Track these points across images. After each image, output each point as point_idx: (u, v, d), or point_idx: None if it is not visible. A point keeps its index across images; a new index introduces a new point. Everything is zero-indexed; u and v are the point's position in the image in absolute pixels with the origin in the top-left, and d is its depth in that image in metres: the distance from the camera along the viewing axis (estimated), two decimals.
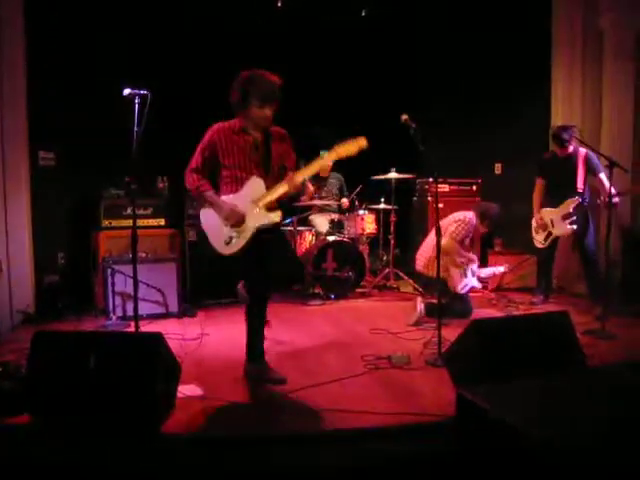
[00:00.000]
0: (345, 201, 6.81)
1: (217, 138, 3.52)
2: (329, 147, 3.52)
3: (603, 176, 5.06)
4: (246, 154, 3.52)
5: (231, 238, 3.48)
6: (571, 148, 5.29)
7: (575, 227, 5.19)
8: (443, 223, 5.14)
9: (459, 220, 5.15)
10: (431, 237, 5.14)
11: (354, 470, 2.52)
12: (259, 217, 3.47)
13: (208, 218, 3.58)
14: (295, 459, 2.59)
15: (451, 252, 5.02)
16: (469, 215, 5.18)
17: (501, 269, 5.57)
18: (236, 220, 3.44)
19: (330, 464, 2.54)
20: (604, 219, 5.02)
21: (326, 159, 3.53)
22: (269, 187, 3.48)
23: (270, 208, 3.49)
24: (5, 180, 4.97)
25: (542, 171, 5.56)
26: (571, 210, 5.21)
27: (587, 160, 5.22)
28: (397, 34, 7.33)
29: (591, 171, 5.22)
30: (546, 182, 5.52)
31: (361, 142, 3.43)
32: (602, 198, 5.03)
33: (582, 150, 5.25)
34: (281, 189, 3.45)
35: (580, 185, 5.21)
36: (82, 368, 2.71)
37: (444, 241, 4.92)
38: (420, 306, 4.96)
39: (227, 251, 3.49)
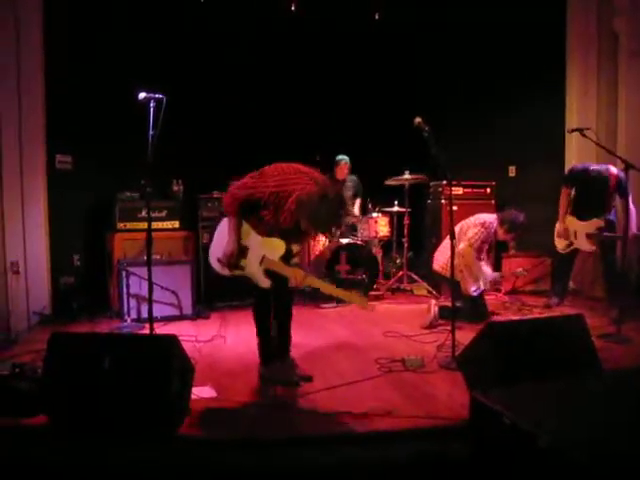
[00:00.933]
0: (356, 210, 6.82)
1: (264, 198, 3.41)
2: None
3: (631, 204, 4.91)
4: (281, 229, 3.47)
5: (222, 262, 3.50)
6: (597, 167, 5.21)
7: (594, 248, 5.21)
8: (464, 223, 5.13)
9: (479, 225, 5.07)
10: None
11: (367, 473, 2.52)
12: (256, 271, 3.45)
13: (222, 231, 3.56)
14: (308, 461, 2.59)
15: (467, 257, 4.99)
16: (490, 219, 5.11)
17: (496, 275, 5.60)
18: (229, 264, 3.45)
19: (343, 466, 2.54)
20: (620, 223, 5.00)
21: (331, 291, 3.36)
22: (284, 254, 3.45)
23: (267, 273, 3.44)
24: (23, 183, 5.03)
25: (571, 182, 5.41)
26: (594, 230, 5.17)
27: (618, 181, 5.09)
28: (411, 37, 7.32)
29: (618, 191, 5.12)
30: (575, 193, 5.41)
31: (364, 305, 3.25)
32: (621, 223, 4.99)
33: (613, 170, 5.14)
34: (287, 272, 3.41)
35: (608, 207, 5.20)
36: (97, 369, 2.73)
37: (461, 246, 4.92)
38: (434, 309, 4.95)
39: (215, 266, 3.57)
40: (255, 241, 3.48)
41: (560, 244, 5.50)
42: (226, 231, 3.48)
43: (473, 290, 5.06)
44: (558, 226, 5.49)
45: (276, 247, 3.45)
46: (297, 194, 3.31)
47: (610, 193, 5.16)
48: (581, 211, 5.32)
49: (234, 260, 3.44)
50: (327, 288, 3.37)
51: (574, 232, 5.34)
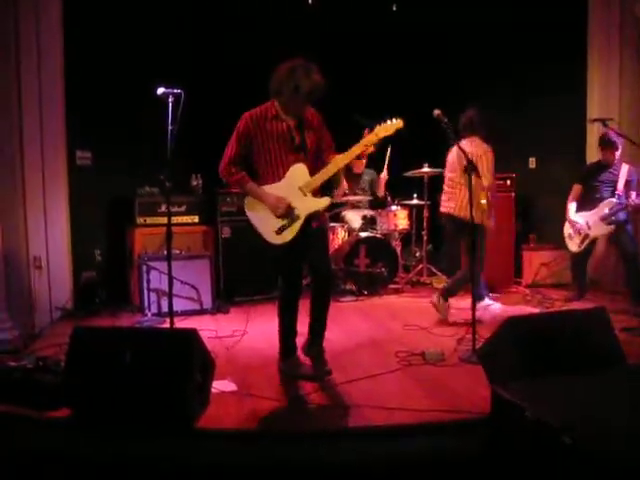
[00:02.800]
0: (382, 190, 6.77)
1: (252, 126, 3.44)
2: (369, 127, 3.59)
3: (633, 193, 5.13)
4: (282, 140, 3.44)
5: (283, 227, 3.40)
6: (616, 157, 5.22)
7: (613, 227, 5.13)
8: (468, 156, 4.34)
9: (486, 151, 4.82)
10: (452, 176, 4.93)
11: (387, 466, 2.52)
12: (308, 204, 3.42)
13: (254, 208, 3.49)
14: (328, 455, 2.59)
15: (492, 189, 4.83)
16: (481, 144, 4.88)
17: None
18: (284, 210, 3.37)
19: (363, 460, 2.54)
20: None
21: (368, 139, 3.52)
22: (311, 172, 3.44)
23: (316, 194, 3.48)
24: (44, 179, 5.10)
25: (584, 178, 5.45)
26: (607, 211, 5.16)
27: (629, 174, 5.18)
28: (428, 28, 7.25)
29: (628, 184, 5.19)
30: (586, 189, 5.43)
31: (398, 124, 3.57)
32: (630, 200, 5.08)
33: (625, 165, 5.21)
34: (326, 174, 3.42)
35: (620, 187, 5.17)
36: (119, 363, 2.76)
37: (486, 181, 4.68)
38: (438, 299, 4.91)
39: (279, 240, 3.41)
40: (280, 186, 3.44)
41: (572, 245, 5.47)
42: (259, 209, 3.45)
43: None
44: (566, 226, 5.50)
45: (298, 173, 3.43)
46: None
47: (621, 181, 5.17)
48: (591, 202, 5.33)
49: (287, 208, 3.37)
50: (364, 141, 3.52)
51: (586, 223, 5.31)
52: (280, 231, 3.40)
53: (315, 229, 3.51)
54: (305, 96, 3.34)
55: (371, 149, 3.60)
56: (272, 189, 3.44)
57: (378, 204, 6.82)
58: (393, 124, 3.56)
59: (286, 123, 3.47)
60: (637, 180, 5.21)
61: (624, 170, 5.19)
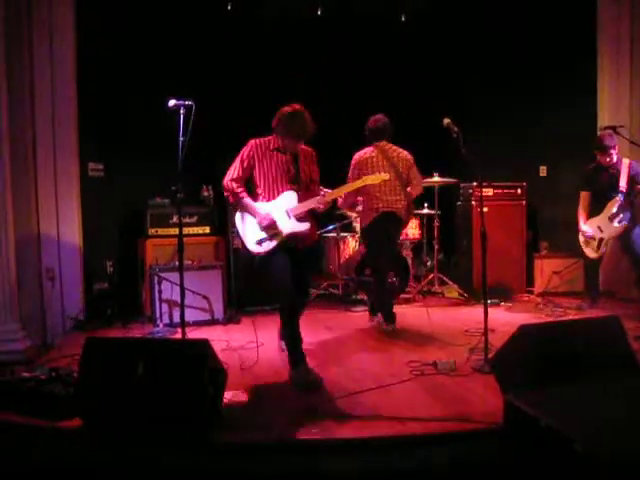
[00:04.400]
0: None
1: (255, 153, 3.94)
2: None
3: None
4: (280, 170, 3.95)
5: (262, 240, 3.88)
6: (615, 159, 5.21)
7: (625, 223, 5.12)
8: (398, 164, 5.07)
9: (411, 161, 5.15)
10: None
11: (400, 477, 2.51)
12: (290, 225, 3.88)
13: (243, 219, 4.01)
14: (341, 465, 2.58)
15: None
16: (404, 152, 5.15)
17: None
18: (268, 224, 3.85)
19: (376, 471, 2.53)
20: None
21: (354, 185, 4.30)
22: (300, 200, 3.92)
23: (300, 219, 3.91)
24: (57, 191, 5.15)
25: (587, 183, 5.46)
26: (615, 209, 5.14)
27: (630, 168, 5.15)
28: (437, 37, 7.27)
29: (633, 179, 5.14)
30: (592, 193, 5.42)
31: (385, 176, 4.44)
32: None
33: (625, 160, 5.20)
34: (311, 204, 3.91)
35: (623, 185, 5.13)
36: (131, 374, 2.77)
37: (419, 190, 5.24)
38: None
39: (257, 250, 3.91)
40: (271, 207, 3.91)
41: (590, 252, 5.43)
42: (246, 218, 3.98)
43: None
44: (580, 234, 5.48)
45: (287, 198, 3.93)
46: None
47: (624, 178, 5.13)
48: (598, 205, 5.32)
49: (274, 228, 3.86)
50: (343, 187, 4.26)
51: (598, 227, 5.28)
52: (260, 243, 3.90)
53: (302, 251, 3.97)
54: (297, 140, 3.91)
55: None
56: (263, 205, 3.94)
57: None
58: (379, 176, 4.39)
59: (285, 156, 3.97)
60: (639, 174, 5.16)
61: (625, 165, 5.16)
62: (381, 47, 7.14)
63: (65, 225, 5.21)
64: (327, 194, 4.00)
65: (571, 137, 6.39)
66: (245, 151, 3.95)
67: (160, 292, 5.15)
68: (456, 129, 3.99)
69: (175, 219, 5.46)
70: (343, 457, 2.62)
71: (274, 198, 3.93)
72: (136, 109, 5.73)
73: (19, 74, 4.81)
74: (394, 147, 5.13)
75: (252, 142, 3.96)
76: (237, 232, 4.10)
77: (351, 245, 6.55)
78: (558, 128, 6.54)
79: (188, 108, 3.74)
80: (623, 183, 5.13)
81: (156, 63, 5.87)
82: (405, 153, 5.13)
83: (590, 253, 5.43)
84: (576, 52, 6.31)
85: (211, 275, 5.42)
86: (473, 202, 6.39)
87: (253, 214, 3.93)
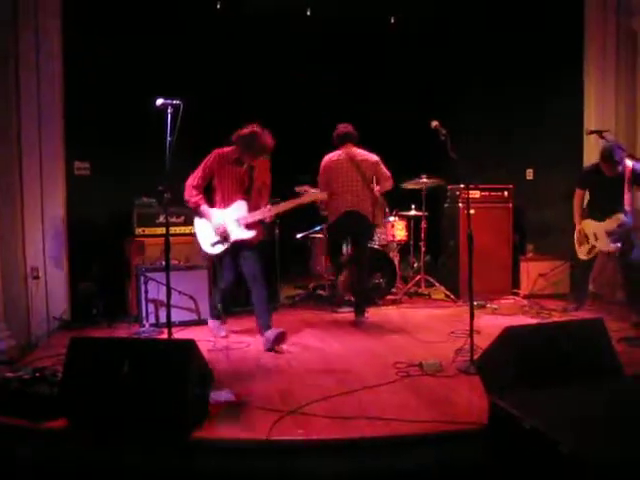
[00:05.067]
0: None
1: (217, 164, 4.58)
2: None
3: None
4: (236, 180, 4.58)
5: (216, 243, 4.61)
6: (620, 170, 5.02)
7: (619, 245, 5.03)
8: (359, 168, 5.40)
9: (377, 162, 5.44)
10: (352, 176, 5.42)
11: (384, 477, 2.51)
12: (239, 232, 4.53)
13: (201, 224, 4.68)
14: (325, 467, 2.58)
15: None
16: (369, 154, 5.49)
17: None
18: (222, 231, 4.53)
19: (359, 472, 2.53)
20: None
21: (295, 202, 4.70)
22: (250, 209, 4.55)
23: (248, 227, 4.54)
24: (42, 189, 5.11)
25: (584, 184, 5.39)
26: (615, 227, 5.02)
27: (633, 173, 4.99)
28: (426, 39, 7.31)
29: (636, 182, 5.02)
30: (589, 195, 5.37)
31: (322, 195, 5.08)
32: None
33: (628, 162, 5.03)
34: (258, 215, 4.55)
35: (627, 204, 4.99)
36: (116, 374, 2.75)
37: (388, 186, 5.50)
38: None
39: (210, 251, 4.67)
40: (224, 213, 4.58)
41: (582, 252, 5.39)
42: (203, 223, 4.64)
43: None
44: (576, 231, 5.44)
45: (239, 207, 4.58)
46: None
47: (627, 186, 5.00)
48: (599, 211, 5.21)
49: (227, 233, 4.54)
50: (287, 204, 4.63)
51: (594, 234, 5.23)
52: (213, 245, 4.63)
53: (246, 251, 4.57)
54: (255, 157, 4.55)
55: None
56: (218, 212, 4.59)
57: None
58: (317, 194, 5.02)
59: (242, 169, 4.59)
60: None
61: (627, 171, 4.97)
62: (370, 48, 7.16)
63: (50, 224, 5.17)
64: (272, 209, 4.56)
65: (558, 140, 6.44)
66: (208, 161, 4.57)
67: (146, 292, 5.12)
68: (444, 131, 4.01)
69: (162, 219, 5.43)
70: (329, 458, 2.62)
71: (228, 206, 4.57)
72: (123, 108, 5.70)
73: (3, 71, 4.77)
74: (360, 151, 5.47)
75: (215, 153, 4.58)
76: (195, 234, 4.74)
77: None
78: (545, 132, 6.59)
79: (175, 107, 3.72)
80: (627, 203, 4.98)
81: (144, 62, 5.85)
82: (370, 156, 5.46)
83: (580, 254, 5.40)
84: (563, 56, 6.35)
85: (198, 275, 5.40)
86: (460, 204, 6.41)
87: (210, 220, 4.56)
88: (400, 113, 7.24)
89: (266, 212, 4.55)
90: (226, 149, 4.60)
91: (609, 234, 5.08)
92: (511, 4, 6.64)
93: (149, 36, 5.98)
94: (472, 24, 7.09)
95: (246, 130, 4.46)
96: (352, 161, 5.40)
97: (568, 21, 6.25)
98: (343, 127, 5.54)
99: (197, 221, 4.72)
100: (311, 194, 4.94)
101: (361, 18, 6.89)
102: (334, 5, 6.72)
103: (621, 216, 5.00)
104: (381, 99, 7.31)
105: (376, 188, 5.43)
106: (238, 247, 4.57)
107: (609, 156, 4.96)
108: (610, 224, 5.07)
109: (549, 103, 6.54)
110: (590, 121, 6.11)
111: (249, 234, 4.53)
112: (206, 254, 4.80)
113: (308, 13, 6.82)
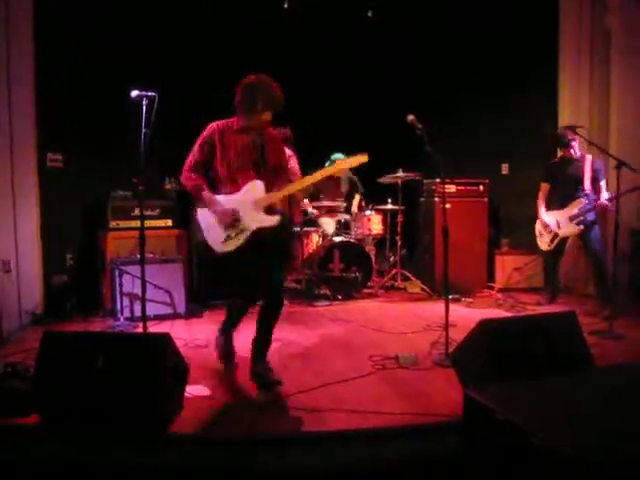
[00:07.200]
0: (354, 208, 6.86)
1: (217, 136, 3.55)
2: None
3: (603, 184, 5.22)
4: (245, 155, 3.54)
5: (229, 236, 3.48)
6: (578, 153, 5.35)
7: (582, 227, 5.20)
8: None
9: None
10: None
11: (360, 471, 2.52)
12: (259, 219, 3.47)
13: (206, 216, 3.57)
14: (301, 460, 2.59)
15: None
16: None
17: None
18: (229, 221, 3.47)
19: (336, 465, 2.54)
20: (612, 219, 5.00)
21: (329, 170, 3.58)
22: (268, 189, 3.50)
23: (268, 211, 3.50)
24: (14, 182, 5.00)
25: (548, 176, 5.60)
26: (577, 211, 5.24)
27: (592, 164, 5.27)
28: (402, 35, 7.32)
29: (594, 176, 5.26)
30: (552, 186, 5.57)
31: (362, 158, 3.55)
32: (598, 202, 5.14)
33: (588, 156, 5.31)
34: (277, 196, 3.50)
35: (587, 186, 5.25)
36: (90, 368, 2.72)
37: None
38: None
39: (225, 249, 3.49)
40: (234, 198, 3.51)
41: (543, 243, 5.57)
42: (208, 216, 3.54)
43: None
44: (537, 225, 5.60)
45: (253, 188, 3.49)
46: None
47: (587, 176, 5.24)
48: (561, 200, 5.43)
49: (233, 220, 3.46)
50: (326, 170, 3.54)
51: (557, 222, 5.40)
52: (225, 240, 3.48)
53: (271, 244, 3.52)
54: (265, 112, 3.49)
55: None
56: (226, 199, 3.52)
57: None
58: (357, 158, 3.55)
59: (250, 137, 3.56)
60: (602, 170, 5.28)
61: (588, 163, 5.26)
62: (348, 43, 7.16)
63: (22, 217, 5.07)
64: (296, 182, 3.65)
65: (533, 136, 6.51)
66: (205, 133, 3.59)
67: (121, 285, 5.08)
68: (420, 125, 4.02)
69: (137, 212, 5.37)
70: (304, 451, 2.62)
71: (237, 188, 3.51)
72: (98, 99, 5.62)
73: None
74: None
75: (212, 125, 3.60)
76: (200, 232, 3.63)
77: (314, 240, 6.55)
78: (520, 127, 6.65)
79: (151, 99, 3.68)
80: (587, 184, 5.24)
81: (119, 52, 5.75)
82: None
83: (542, 245, 5.57)
84: (538, 52, 6.41)
85: (173, 269, 5.37)
86: (436, 198, 6.45)
87: (213, 211, 3.52)
88: (376, 108, 7.25)
89: (292, 187, 3.54)
90: (225, 120, 3.64)
91: (572, 218, 5.27)
92: (486, 1, 6.69)
93: (125, 25, 5.89)
94: (449, 19, 7.12)
95: (251, 77, 3.53)
96: None
97: (543, 17, 6.32)
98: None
99: (201, 213, 3.61)
100: (350, 160, 3.60)
101: (339, 13, 6.89)
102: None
103: (582, 200, 5.23)
104: (358, 95, 7.31)
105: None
106: (259, 244, 3.49)
107: (564, 141, 5.34)
108: (571, 209, 5.29)
109: (524, 99, 6.60)
110: (564, 117, 6.20)
111: (273, 220, 3.48)
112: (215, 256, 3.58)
113: (285, 5, 6.80)
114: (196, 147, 3.59)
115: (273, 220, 3.48)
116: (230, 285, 3.71)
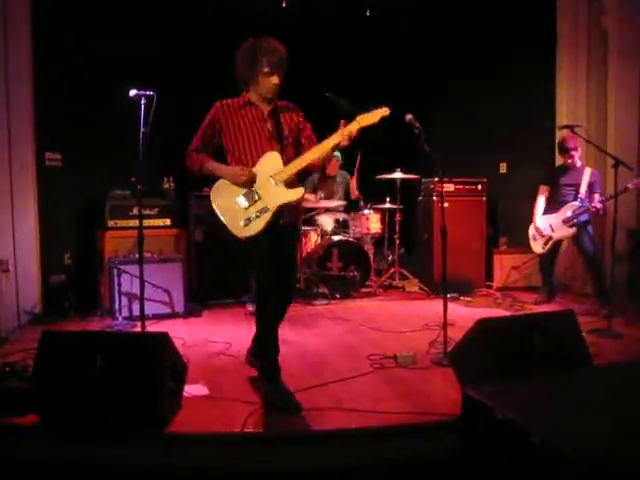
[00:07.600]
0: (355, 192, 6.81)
1: (222, 114, 3.27)
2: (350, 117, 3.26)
3: (597, 197, 5.24)
4: (255, 127, 3.25)
5: (249, 220, 3.10)
6: (578, 163, 5.38)
7: (575, 229, 5.24)
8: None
9: None
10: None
11: (358, 470, 2.53)
12: (280, 194, 3.12)
13: (220, 197, 3.19)
14: (300, 459, 2.59)
15: None
16: None
17: None
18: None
19: (335, 464, 2.54)
20: (610, 219, 5.01)
21: (349, 128, 3.20)
22: (286, 161, 3.18)
23: (289, 184, 3.17)
24: (12, 181, 4.99)
25: (548, 178, 5.60)
26: (570, 214, 5.26)
27: (591, 177, 5.30)
28: (400, 34, 7.31)
29: (591, 187, 5.30)
30: (551, 191, 5.57)
31: (384, 111, 3.21)
32: (591, 204, 5.17)
33: (588, 169, 5.35)
34: (303, 160, 3.16)
35: (583, 190, 5.28)
36: (89, 368, 2.72)
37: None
38: None
39: (246, 233, 3.10)
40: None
41: (536, 247, 5.59)
42: (225, 199, 3.18)
43: None
44: (531, 227, 5.61)
45: (269, 161, 3.18)
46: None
47: (585, 182, 5.28)
48: (555, 204, 5.45)
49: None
50: (347, 129, 3.19)
51: (550, 226, 5.41)
52: (247, 223, 3.11)
53: (283, 227, 3.22)
54: (270, 73, 3.20)
55: (346, 142, 3.22)
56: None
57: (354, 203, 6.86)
58: (378, 112, 3.19)
59: (260, 109, 3.29)
60: (599, 182, 5.34)
61: (587, 174, 5.31)
62: (344, 41, 7.14)
63: (20, 216, 5.06)
64: (315, 147, 3.22)
65: (531, 135, 6.52)
66: (209, 113, 3.30)
67: (119, 285, 5.07)
68: (418, 125, 4.01)
69: (135, 211, 5.37)
70: (302, 450, 2.63)
71: (252, 162, 3.19)
72: (96, 98, 5.61)
73: None
74: None
75: (217, 103, 3.30)
76: (218, 218, 3.17)
77: (313, 239, 6.55)
78: (518, 126, 6.66)
79: (149, 98, 3.68)
80: (583, 190, 5.27)
81: (117, 51, 5.73)
82: None
83: (536, 248, 5.59)
84: (536, 52, 6.43)
85: (171, 268, 5.36)
86: (434, 197, 6.45)
87: (223, 174, 3.19)
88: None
89: (313, 152, 3.17)
90: (230, 98, 3.34)
91: (565, 221, 5.29)
92: (485, 1, 6.69)
93: (124, 24, 5.88)
94: (448, 18, 7.12)
95: (249, 39, 3.28)
96: None
97: (540, 17, 6.33)
98: None
99: (215, 196, 3.21)
100: (371, 114, 3.24)
101: (335, 11, 6.88)
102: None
103: (575, 203, 5.27)
104: (354, 93, 7.29)
105: None
106: (279, 230, 3.18)
107: (563, 147, 5.37)
108: (564, 212, 5.31)
109: (523, 98, 6.60)
110: (562, 116, 6.21)
111: (296, 193, 3.15)
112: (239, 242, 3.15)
113: (283, 4, 6.80)
114: (200, 129, 3.33)
115: (296, 193, 3.16)
116: (264, 275, 3.19)
